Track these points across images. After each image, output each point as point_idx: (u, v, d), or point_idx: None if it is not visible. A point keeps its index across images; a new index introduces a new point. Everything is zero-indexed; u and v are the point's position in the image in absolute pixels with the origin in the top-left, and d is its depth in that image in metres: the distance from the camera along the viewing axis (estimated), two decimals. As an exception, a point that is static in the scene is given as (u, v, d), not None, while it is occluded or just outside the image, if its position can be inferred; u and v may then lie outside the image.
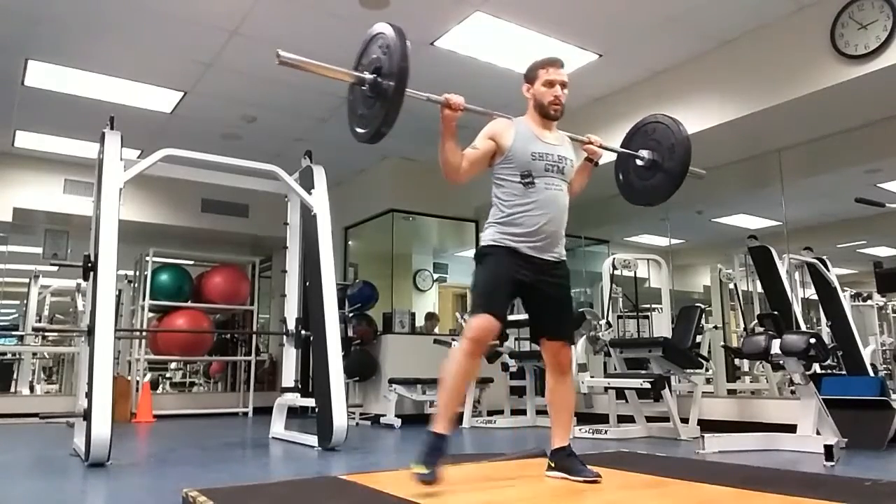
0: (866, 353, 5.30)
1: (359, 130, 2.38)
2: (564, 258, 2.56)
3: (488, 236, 2.50)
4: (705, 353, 5.31)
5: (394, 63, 2.18)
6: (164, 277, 7.64)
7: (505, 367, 6.08)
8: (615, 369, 5.34)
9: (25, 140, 6.54)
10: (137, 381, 7.14)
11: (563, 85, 2.54)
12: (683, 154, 2.84)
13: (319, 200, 4.57)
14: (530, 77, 2.58)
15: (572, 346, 2.65)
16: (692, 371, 4.95)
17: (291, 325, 4.94)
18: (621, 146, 3.05)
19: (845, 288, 5.70)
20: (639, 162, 2.93)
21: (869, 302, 6.05)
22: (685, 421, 4.77)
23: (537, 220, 2.43)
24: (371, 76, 2.27)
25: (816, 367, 4.22)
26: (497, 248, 2.45)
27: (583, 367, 5.14)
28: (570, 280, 2.60)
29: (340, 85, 5.59)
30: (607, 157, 2.93)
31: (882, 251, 6.71)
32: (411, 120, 5.66)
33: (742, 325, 6.39)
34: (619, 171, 3.10)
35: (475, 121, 2.49)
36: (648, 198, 3.00)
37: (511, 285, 2.44)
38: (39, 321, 8.07)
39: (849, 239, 6.85)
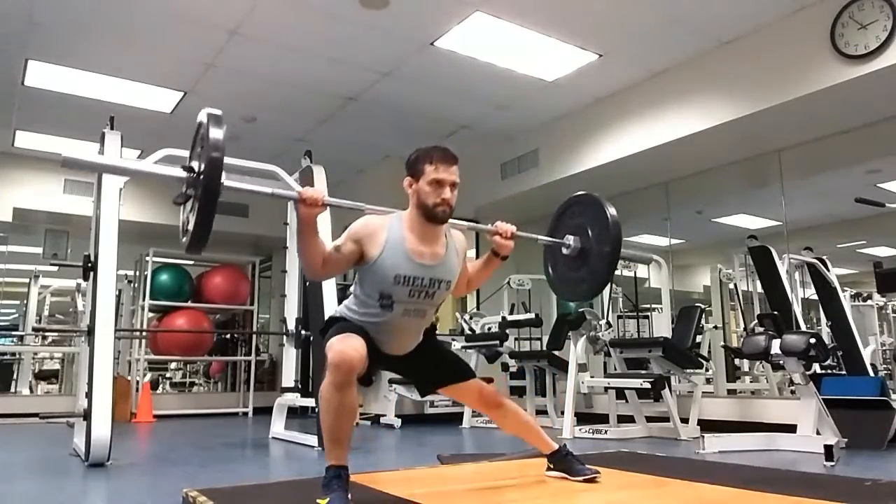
0: (866, 353, 5.29)
1: (182, 238, 2.01)
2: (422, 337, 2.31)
3: (340, 312, 2.23)
4: (705, 353, 5.31)
5: (204, 155, 1.83)
6: (164, 277, 7.66)
7: (505, 367, 6.07)
8: (615, 369, 5.33)
9: (25, 140, 6.54)
10: (137, 381, 7.15)
11: (454, 186, 2.15)
12: (613, 239, 2.43)
13: (319, 200, 4.56)
14: (414, 171, 2.17)
15: (478, 378, 2.40)
16: (692, 371, 4.95)
17: (291, 325, 4.94)
18: (549, 230, 2.61)
19: (845, 288, 5.69)
20: (564, 251, 2.54)
21: (869, 302, 6.06)
22: (685, 421, 4.77)
23: (386, 339, 2.18)
24: (184, 173, 1.87)
25: (816, 367, 4.22)
26: (352, 321, 2.18)
27: (583, 367, 5.14)
28: (434, 336, 2.37)
29: (341, 85, 5.62)
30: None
31: (882, 251, 6.70)
32: (411, 119, 5.71)
33: (742, 325, 6.39)
34: (548, 262, 2.69)
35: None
36: (579, 291, 2.67)
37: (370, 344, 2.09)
38: (39, 321, 8.08)
39: (849, 239, 6.85)
